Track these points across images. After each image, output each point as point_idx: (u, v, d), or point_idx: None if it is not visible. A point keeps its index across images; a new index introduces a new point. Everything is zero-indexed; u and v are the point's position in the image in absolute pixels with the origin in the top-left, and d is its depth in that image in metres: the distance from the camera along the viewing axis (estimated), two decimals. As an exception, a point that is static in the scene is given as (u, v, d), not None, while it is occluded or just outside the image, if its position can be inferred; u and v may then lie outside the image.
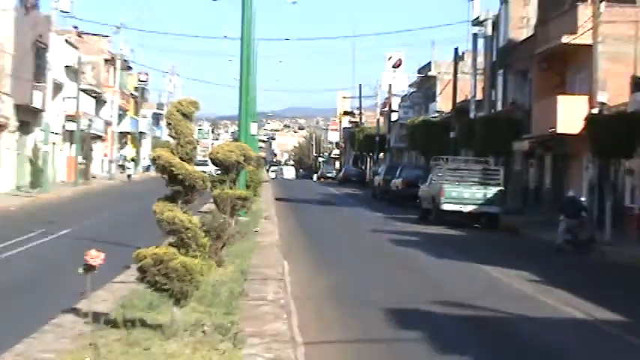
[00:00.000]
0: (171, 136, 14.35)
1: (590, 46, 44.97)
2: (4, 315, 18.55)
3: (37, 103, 68.41)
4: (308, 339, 16.02)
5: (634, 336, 19.09)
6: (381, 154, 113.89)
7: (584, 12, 47.77)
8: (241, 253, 24.41)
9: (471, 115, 69.75)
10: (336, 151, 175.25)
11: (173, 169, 13.65)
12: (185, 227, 13.52)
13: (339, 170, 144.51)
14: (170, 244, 13.66)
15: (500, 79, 69.60)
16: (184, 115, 14.26)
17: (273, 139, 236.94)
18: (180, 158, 13.80)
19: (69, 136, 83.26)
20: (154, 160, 14.87)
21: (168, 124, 14.74)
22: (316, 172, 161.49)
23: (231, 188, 24.81)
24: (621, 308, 22.45)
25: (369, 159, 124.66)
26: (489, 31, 70.32)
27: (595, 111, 43.29)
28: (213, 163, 24.78)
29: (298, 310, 18.56)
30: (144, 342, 12.76)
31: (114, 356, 10.79)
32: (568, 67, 53.32)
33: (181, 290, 13.42)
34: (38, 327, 14.38)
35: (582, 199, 43.25)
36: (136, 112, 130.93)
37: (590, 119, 43.16)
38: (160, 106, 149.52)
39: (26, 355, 12.25)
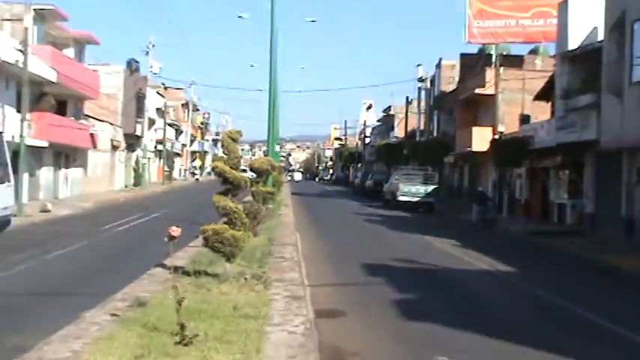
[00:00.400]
0: (225, 153, 14.56)
1: (493, 95, 45.11)
2: (116, 269, 18.59)
3: (138, 132, 68.48)
4: (312, 283, 16.09)
5: (519, 280, 19.39)
6: (359, 165, 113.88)
7: (489, 73, 47.75)
8: (269, 228, 24.54)
9: (417, 139, 69.81)
10: (330, 163, 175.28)
11: (226, 174, 13.82)
12: (233, 211, 13.71)
13: (332, 175, 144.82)
14: (224, 222, 13.84)
15: (435, 117, 69.60)
16: (233, 139, 14.46)
17: (290, 155, 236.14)
18: (230, 167, 13.98)
19: (158, 153, 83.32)
20: (213, 168, 15.13)
21: (222, 145, 14.98)
22: (317, 176, 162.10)
23: (262, 186, 24.87)
24: (511, 263, 22.59)
25: (351, 168, 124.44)
26: (428, 85, 70.33)
27: (496, 137, 43.40)
28: (252, 170, 24.79)
29: (306, 265, 18.61)
30: (207, 285, 12.96)
31: (187, 294, 10.84)
32: (479, 108, 53.30)
33: (231, 252, 13.60)
34: (138, 276, 14.48)
35: (488, 192, 43.39)
36: (202, 138, 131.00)
37: (493, 142, 43.26)
38: (217, 134, 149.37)
39: (130, 293, 12.33)
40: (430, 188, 50.96)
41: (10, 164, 20.87)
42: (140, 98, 70.21)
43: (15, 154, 35.78)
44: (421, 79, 71.40)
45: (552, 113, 40.33)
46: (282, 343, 9.33)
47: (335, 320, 12.87)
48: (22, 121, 34.84)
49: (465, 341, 11.70)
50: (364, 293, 16.06)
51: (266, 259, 16.78)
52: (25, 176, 36.11)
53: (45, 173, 45.17)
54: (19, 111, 35.73)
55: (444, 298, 16.28)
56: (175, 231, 9.82)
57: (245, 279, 13.61)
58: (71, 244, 23.32)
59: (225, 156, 14.62)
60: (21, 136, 34.66)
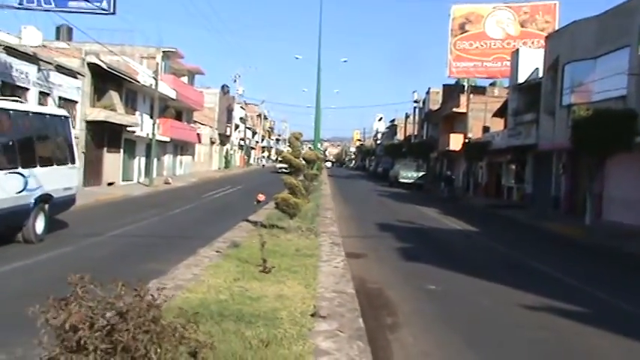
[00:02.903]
0: (290, 147, 14.63)
1: (464, 113, 44.61)
2: (214, 221, 18.69)
3: (227, 133, 68.90)
4: (343, 235, 16.04)
5: (481, 236, 19.23)
6: (372, 157, 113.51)
7: (463, 98, 47.06)
8: (316, 197, 24.50)
9: (412, 141, 69.30)
10: (353, 156, 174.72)
11: (291, 161, 13.91)
12: (295, 185, 13.76)
13: (355, 163, 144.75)
14: (288, 193, 13.88)
15: (425, 126, 69.06)
16: (296, 138, 14.55)
17: (326, 150, 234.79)
18: (294, 157, 14.08)
19: (241, 147, 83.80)
20: (283, 157, 15.19)
21: (289, 142, 15.04)
22: (344, 164, 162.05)
23: (311, 170, 24.91)
24: (476, 224, 22.45)
25: (367, 159, 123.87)
26: (421, 105, 69.85)
27: (467, 140, 43.00)
28: (304, 159, 24.83)
29: (338, 223, 18.65)
30: (277, 234, 12.97)
31: (266, 238, 10.85)
32: (454, 121, 52.46)
33: (293, 212, 13.68)
34: (231, 227, 14.60)
35: (454, 176, 43.19)
36: (269, 137, 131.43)
37: (464, 144, 42.85)
38: (279, 135, 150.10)
39: (228, 238, 12.46)
40: (420, 174, 50.71)
41: (75, 147, 15.47)
42: (229, 111, 70.59)
43: (148, 146, 36.24)
44: (416, 101, 70.95)
45: (505, 125, 39.87)
46: (329, 273, 9.35)
47: (359, 259, 12.87)
48: (153, 124, 35.21)
49: (445, 275, 11.67)
50: (377, 242, 16.00)
51: (315, 218, 16.79)
52: (155, 160, 36.48)
53: (167, 158, 45.62)
54: (151, 117, 36.08)
55: (430, 246, 16.19)
56: (261, 197, 10.00)
57: (302, 231, 13.64)
58: (185, 205, 23.61)
59: (290, 149, 14.74)
60: (153, 134, 35.03)
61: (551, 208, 28.81)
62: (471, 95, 45.05)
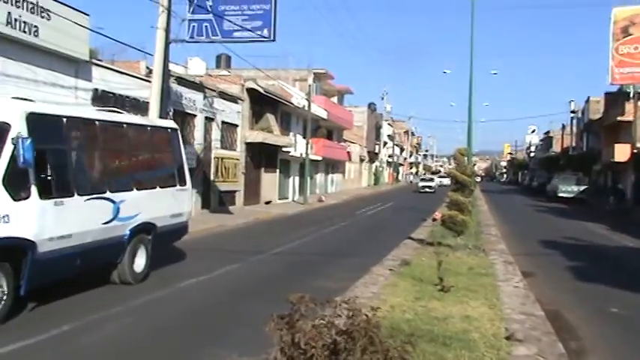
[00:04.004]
0: (456, 163, 14.43)
1: (631, 121, 41.53)
2: (372, 239, 18.75)
3: (376, 150, 69.43)
4: (512, 252, 15.47)
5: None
6: (525, 171, 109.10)
7: (628, 105, 43.95)
8: (475, 213, 23.85)
9: (570, 153, 65.75)
10: (504, 170, 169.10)
11: (457, 177, 13.69)
12: (462, 202, 13.51)
13: (507, 178, 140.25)
14: (454, 210, 13.66)
15: (585, 137, 65.15)
16: (461, 154, 14.33)
17: (475, 164, 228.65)
18: (460, 173, 13.86)
19: (389, 163, 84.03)
20: (448, 173, 15.14)
21: (454, 157, 14.86)
22: (494, 178, 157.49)
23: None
24: (654, 242, 20.73)
25: (519, 173, 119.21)
26: (580, 115, 66.15)
27: (635, 151, 39.95)
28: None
29: (504, 240, 18.00)
30: (445, 252, 12.68)
31: (434, 258, 10.74)
32: (619, 131, 48.80)
33: (461, 230, 13.45)
34: (394, 245, 14.57)
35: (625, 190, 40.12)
36: (416, 153, 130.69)
37: (633, 155, 39.85)
38: (426, 150, 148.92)
39: (397, 255, 12.46)
40: (582, 188, 47.92)
41: (186, 166, 12.71)
42: (377, 128, 71.22)
43: (302, 165, 37.48)
44: (573, 111, 67.66)
45: (680, 133, 36.62)
46: (511, 294, 9.04)
47: (528, 279, 12.26)
48: (306, 144, 36.35)
49: (627, 297, 10.78)
50: (544, 260, 15.22)
51: (479, 235, 16.35)
52: (308, 179, 37.55)
53: (319, 177, 46.87)
54: (304, 137, 37.26)
55: (604, 265, 15.11)
56: (437, 215, 9.99)
57: (469, 249, 13.36)
58: (340, 223, 23.93)
59: (455, 165, 14.58)
60: (306, 153, 36.15)
61: None
62: (639, 102, 41.82)
